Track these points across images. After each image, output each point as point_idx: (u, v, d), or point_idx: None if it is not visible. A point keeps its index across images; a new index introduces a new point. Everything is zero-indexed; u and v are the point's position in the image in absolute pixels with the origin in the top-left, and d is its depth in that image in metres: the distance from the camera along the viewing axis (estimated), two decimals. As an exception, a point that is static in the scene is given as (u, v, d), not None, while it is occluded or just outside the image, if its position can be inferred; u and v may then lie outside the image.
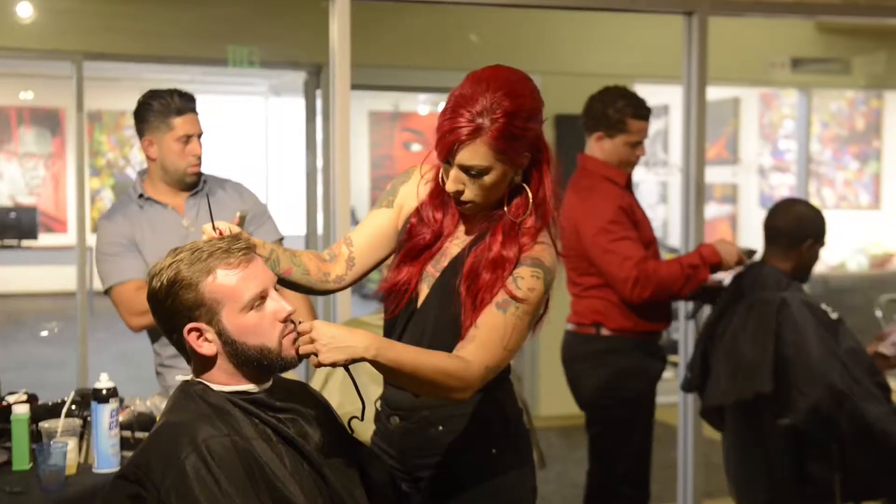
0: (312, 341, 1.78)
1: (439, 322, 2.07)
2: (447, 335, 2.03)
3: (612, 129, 3.53)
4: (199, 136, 3.14)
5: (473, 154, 1.95)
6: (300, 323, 1.83)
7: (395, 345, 1.89)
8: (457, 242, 2.12)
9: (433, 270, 2.12)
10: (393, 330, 2.15)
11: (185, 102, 3.11)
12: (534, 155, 2.03)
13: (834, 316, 3.33)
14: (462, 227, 2.13)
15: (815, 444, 3.24)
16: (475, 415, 2.13)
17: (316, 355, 1.78)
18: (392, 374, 1.86)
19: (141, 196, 3.15)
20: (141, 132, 3.15)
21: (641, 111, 3.53)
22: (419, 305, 2.13)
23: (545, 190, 2.05)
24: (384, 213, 2.19)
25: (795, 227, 3.39)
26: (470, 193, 2.01)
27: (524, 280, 1.98)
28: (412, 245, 2.13)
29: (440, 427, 2.13)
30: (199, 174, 3.17)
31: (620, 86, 3.60)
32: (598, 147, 3.57)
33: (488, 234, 2.05)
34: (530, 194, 2.04)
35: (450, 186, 2.01)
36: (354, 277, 2.17)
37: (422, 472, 2.17)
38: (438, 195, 2.13)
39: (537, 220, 2.04)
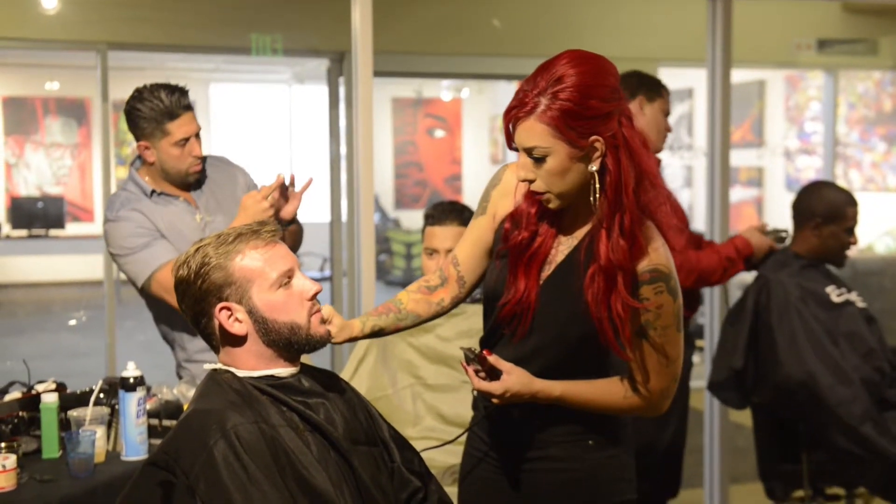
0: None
1: (545, 339, 2.00)
2: (556, 350, 1.99)
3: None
4: (198, 133, 2.94)
5: (528, 133, 1.86)
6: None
7: (568, 388, 1.98)
8: (562, 249, 2.01)
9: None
10: (521, 350, 2.03)
11: (177, 102, 2.87)
12: (608, 140, 1.86)
13: (838, 299, 3.30)
14: (563, 231, 2.02)
15: (786, 423, 3.28)
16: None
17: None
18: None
19: (153, 192, 2.96)
20: (135, 136, 2.93)
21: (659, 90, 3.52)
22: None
23: (624, 176, 1.87)
24: (480, 222, 2.13)
25: (804, 206, 3.38)
26: (540, 182, 1.90)
27: (649, 300, 1.92)
28: (510, 247, 2.03)
29: (537, 421, 2.06)
30: (202, 170, 3.00)
31: (636, 69, 3.56)
32: None
33: (596, 240, 1.93)
34: (603, 184, 1.89)
35: (519, 173, 1.93)
36: (468, 292, 2.17)
37: (519, 464, 2.09)
38: (532, 192, 2.01)
39: (622, 214, 1.89)
